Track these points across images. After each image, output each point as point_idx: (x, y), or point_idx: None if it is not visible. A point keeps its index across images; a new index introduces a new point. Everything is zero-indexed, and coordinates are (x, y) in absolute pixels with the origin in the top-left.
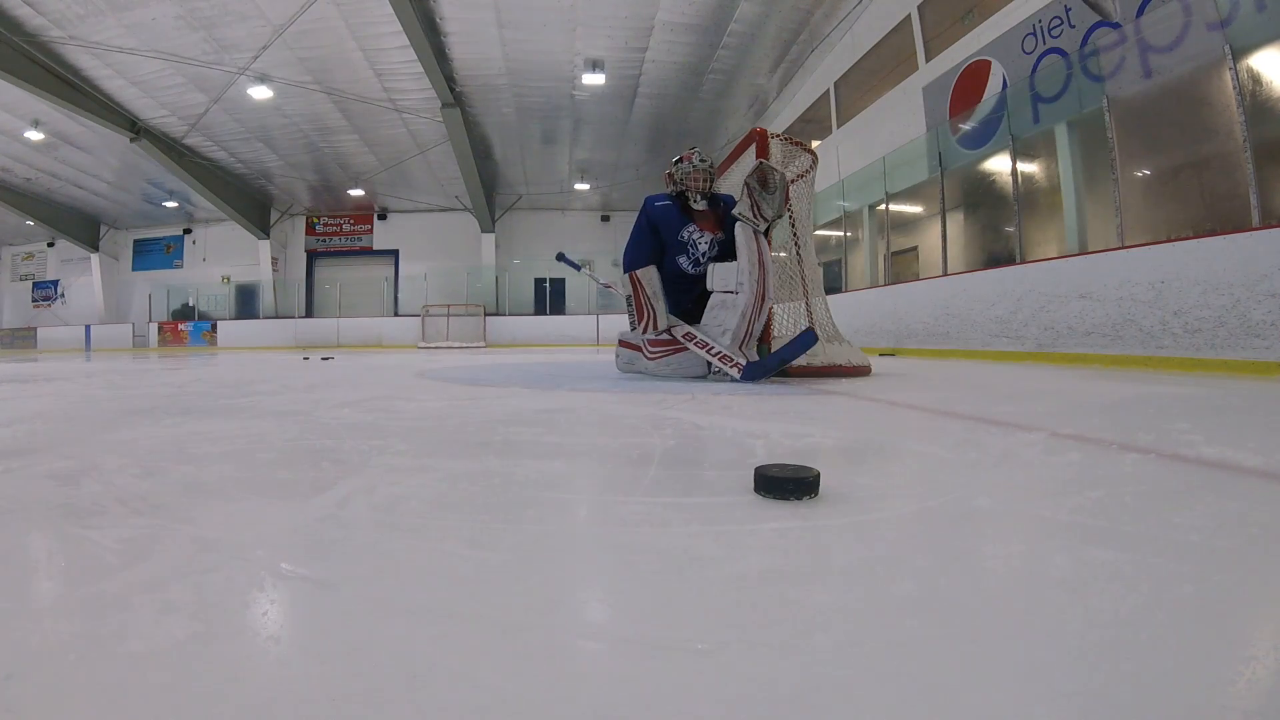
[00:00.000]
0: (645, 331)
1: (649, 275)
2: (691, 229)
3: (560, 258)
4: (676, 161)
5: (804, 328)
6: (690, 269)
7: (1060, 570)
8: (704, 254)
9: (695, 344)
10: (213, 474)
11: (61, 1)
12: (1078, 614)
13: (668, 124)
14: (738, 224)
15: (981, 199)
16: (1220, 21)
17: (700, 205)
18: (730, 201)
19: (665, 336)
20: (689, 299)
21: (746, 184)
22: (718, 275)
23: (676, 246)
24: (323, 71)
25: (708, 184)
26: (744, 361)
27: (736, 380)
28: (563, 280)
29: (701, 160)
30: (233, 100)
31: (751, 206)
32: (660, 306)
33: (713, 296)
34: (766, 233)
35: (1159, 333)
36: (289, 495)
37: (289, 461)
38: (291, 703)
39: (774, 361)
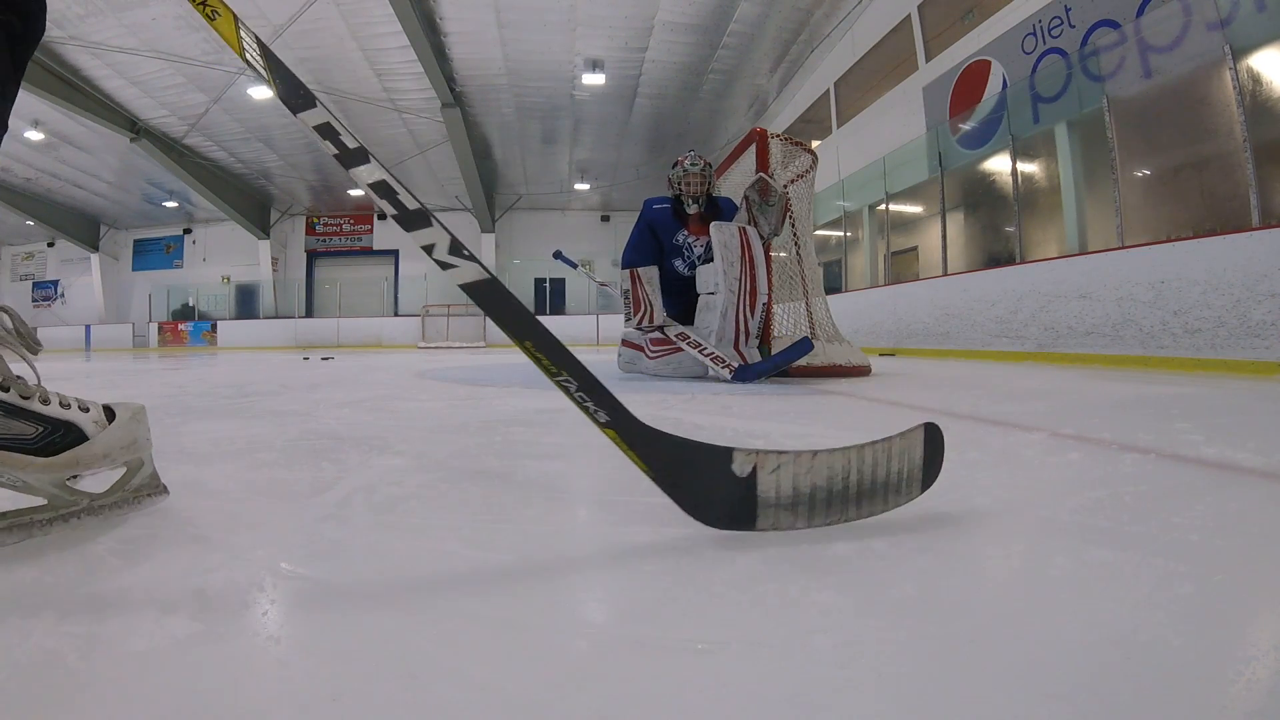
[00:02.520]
0: (641, 323)
1: (649, 273)
2: (685, 234)
3: (557, 255)
4: (673, 165)
5: (804, 332)
6: (686, 272)
7: (1060, 570)
8: (699, 257)
9: (689, 344)
10: (213, 474)
11: (61, 1)
12: (1078, 614)
13: (668, 124)
14: (713, 224)
15: (981, 199)
16: (1220, 21)
17: (695, 209)
18: (728, 204)
19: (663, 335)
20: (686, 300)
21: (746, 196)
22: (700, 278)
23: (672, 250)
24: (323, 71)
25: (703, 187)
26: (736, 364)
27: (728, 381)
28: (563, 280)
29: (693, 164)
30: (233, 100)
31: (750, 220)
32: (658, 301)
33: (699, 299)
34: (766, 241)
35: (1159, 333)
36: (289, 495)
37: (289, 461)
38: (291, 703)
39: (767, 366)
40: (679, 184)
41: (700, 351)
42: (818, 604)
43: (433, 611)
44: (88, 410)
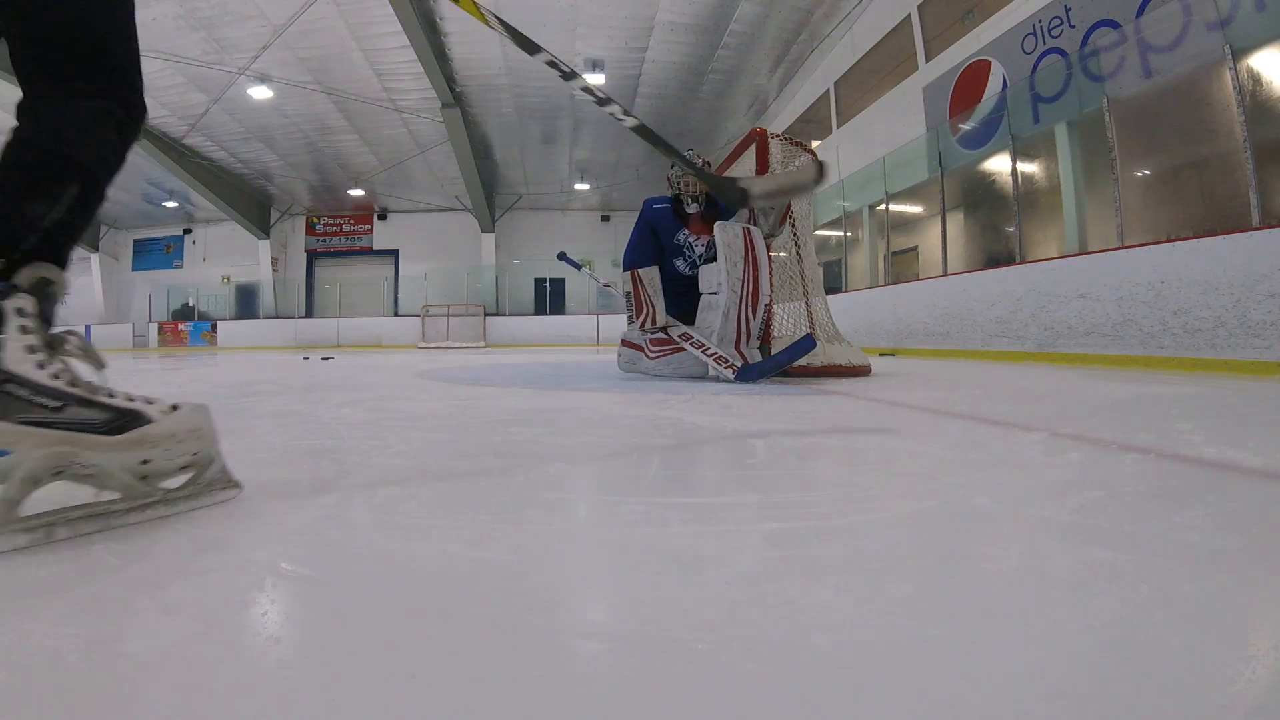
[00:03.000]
0: (644, 326)
1: (650, 274)
2: (685, 233)
3: (561, 257)
4: (671, 165)
5: (805, 332)
6: (687, 271)
7: (1060, 570)
8: (700, 256)
9: (692, 344)
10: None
11: None
12: (1078, 614)
13: (668, 124)
14: (717, 224)
15: (981, 199)
16: (1220, 21)
17: (695, 208)
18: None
19: (664, 335)
20: (687, 300)
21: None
22: (703, 277)
23: (673, 249)
24: (323, 71)
25: (702, 185)
26: (739, 363)
27: (731, 381)
28: (563, 280)
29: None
30: (233, 100)
31: (751, 218)
32: (660, 303)
33: (701, 298)
34: (768, 238)
35: (1159, 333)
36: (289, 495)
37: (289, 461)
38: (291, 703)
39: (770, 365)
40: (678, 183)
41: (704, 352)
42: (818, 603)
43: (433, 611)
44: (152, 402)
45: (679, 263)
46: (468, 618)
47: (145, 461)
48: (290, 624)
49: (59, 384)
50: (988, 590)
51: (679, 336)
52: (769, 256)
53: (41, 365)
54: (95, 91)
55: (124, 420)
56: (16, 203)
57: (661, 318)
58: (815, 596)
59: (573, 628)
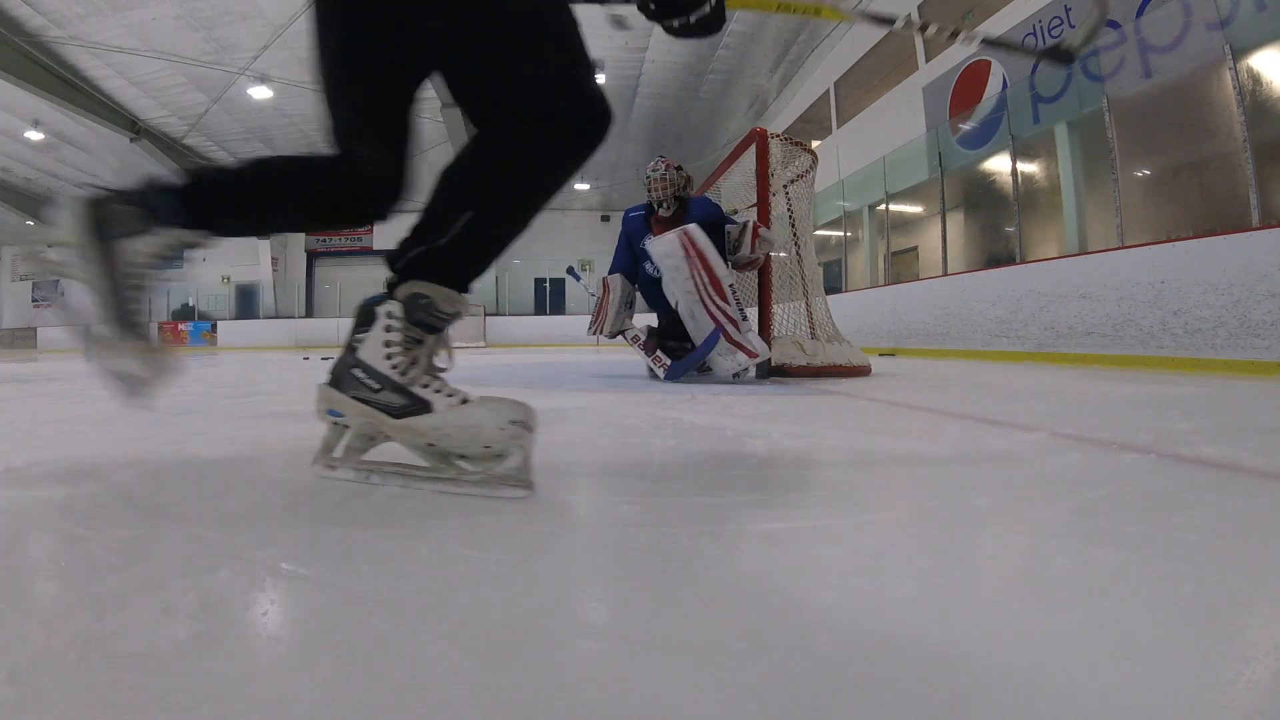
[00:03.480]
0: (592, 332)
1: (615, 283)
2: (649, 237)
3: (570, 271)
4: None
5: (804, 330)
6: (655, 273)
7: (1060, 570)
8: None
9: (638, 346)
10: (213, 473)
11: (61, 1)
12: (1078, 614)
13: (668, 124)
14: (647, 239)
15: (981, 199)
16: (1220, 21)
17: (666, 212)
18: (699, 204)
19: (625, 340)
20: (661, 301)
21: (761, 232)
22: (666, 292)
23: (642, 254)
24: None
25: (666, 190)
26: (669, 361)
27: (662, 380)
28: (562, 280)
29: (654, 169)
30: (233, 100)
31: (735, 240)
32: (613, 313)
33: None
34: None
35: (1159, 333)
36: (289, 495)
37: (289, 461)
38: (292, 703)
39: (689, 363)
40: (648, 189)
41: (645, 354)
42: (818, 603)
43: (433, 611)
44: (451, 395)
45: (648, 266)
46: (468, 618)
47: (430, 445)
48: (290, 624)
49: (391, 373)
50: (988, 590)
51: (630, 340)
52: (752, 244)
53: (388, 357)
54: (526, 117)
55: (413, 407)
56: (417, 227)
57: (609, 327)
58: (816, 596)
59: (573, 628)
